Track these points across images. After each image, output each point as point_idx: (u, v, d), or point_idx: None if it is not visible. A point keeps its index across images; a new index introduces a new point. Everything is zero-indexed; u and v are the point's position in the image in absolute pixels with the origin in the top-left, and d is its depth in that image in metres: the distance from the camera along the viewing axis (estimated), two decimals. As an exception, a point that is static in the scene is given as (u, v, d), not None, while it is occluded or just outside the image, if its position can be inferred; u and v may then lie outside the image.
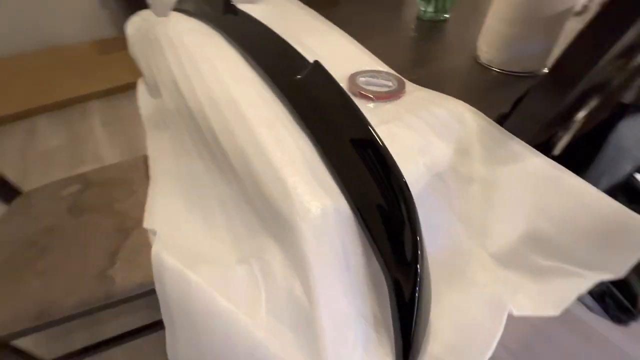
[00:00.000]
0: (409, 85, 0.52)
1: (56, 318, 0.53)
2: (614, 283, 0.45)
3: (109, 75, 1.80)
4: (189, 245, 0.31)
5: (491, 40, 0.58)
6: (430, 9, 0.80)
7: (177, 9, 0.73)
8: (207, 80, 0.47)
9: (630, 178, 0.44)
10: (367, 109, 0.46)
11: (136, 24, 0.78)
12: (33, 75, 1.79)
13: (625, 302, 0.43)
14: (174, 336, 0.27)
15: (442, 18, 0.80)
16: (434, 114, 0.43)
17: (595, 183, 0.40)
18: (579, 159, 0.39)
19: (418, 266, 0.26)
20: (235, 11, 0.64)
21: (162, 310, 0.27)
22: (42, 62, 1.83)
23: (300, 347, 0.25)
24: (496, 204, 0.35)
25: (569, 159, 0.45)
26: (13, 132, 1.65)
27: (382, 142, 0.34)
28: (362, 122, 0.37)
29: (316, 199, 0.30)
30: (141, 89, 0.67)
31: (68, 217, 0.64)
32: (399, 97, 0.49)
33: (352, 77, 0.52)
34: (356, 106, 0.39)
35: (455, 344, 0.27)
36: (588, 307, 0.45)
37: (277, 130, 0.37)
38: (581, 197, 0.31)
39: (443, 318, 0.30)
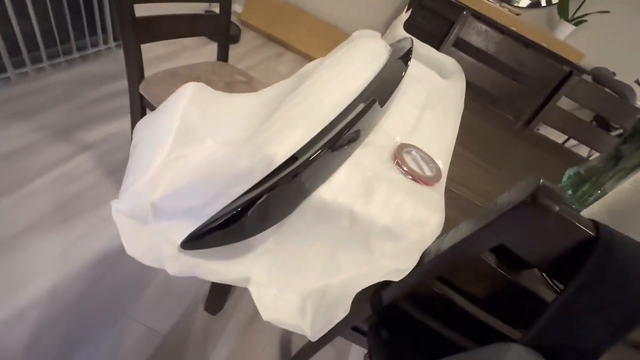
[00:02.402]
0: (437, 187, 0.55)
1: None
2: None
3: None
4: (218, 109, 0.49)
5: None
6: (569, 191, 0.72)
7: (390, 42, 0.95)
8: (330, 75, 0.65)
9: None
10: (387, 163, 0.54)
11: (364, 32, 1.04)
12: (313, 33, 2.47)
13: None
14: (148, 115, 0.45)
15: (573, 207, 0.71)
16: (412, 204, 0.46)
17: None
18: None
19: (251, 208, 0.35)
20: (406, 61, 0.79)
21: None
22: (328, 32, 2.45)
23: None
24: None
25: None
26: (272, 49, 2.37)
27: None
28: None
29: (280, 148, 0.43)
30: (318, 60, 0.92)
31: (222, 86, 0.97)
32: (416, 182, 0.53)
33: (405, 146, 0.58)
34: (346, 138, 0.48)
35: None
36: None
37: (316, 115, 0.51)
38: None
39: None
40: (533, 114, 1.05)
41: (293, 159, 0.42)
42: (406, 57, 0.80)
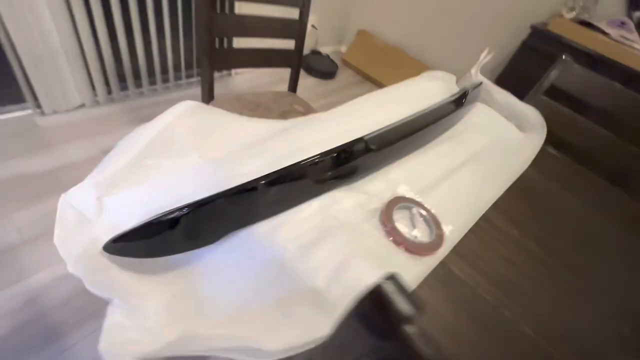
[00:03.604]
0: (429, 259, 0.42)
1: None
2: None
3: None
4: (214, 127, 0.51)
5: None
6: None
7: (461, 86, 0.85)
8: (347, 112, 0.61)
9: None
10: (369, 215, 0.45)
11: (435, 73, 0.94)
12: (410, 75, 2.42)
13: None
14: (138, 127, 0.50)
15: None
16: (356, 266, 0.37)
17: None
18: None
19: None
20: (457, 104, 0.68)
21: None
22: (412, 67, 2.35)
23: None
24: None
25: None
26: (365, 87, 2.43)
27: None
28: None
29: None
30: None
31: (277, 113, 1.02)
32: (398, 245, 0.42)
33: (403, 200, 0.48)
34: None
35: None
36: None
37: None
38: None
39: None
40: (664, 196, 0.74)
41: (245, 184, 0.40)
42: (458, 101, 0.68)
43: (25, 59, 1.14)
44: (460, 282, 0.42)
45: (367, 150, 0.47)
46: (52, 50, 1.19)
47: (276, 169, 0.40)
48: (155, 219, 0.35)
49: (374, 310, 0.34)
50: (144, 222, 0.36)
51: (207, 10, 0.82)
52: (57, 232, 0.36)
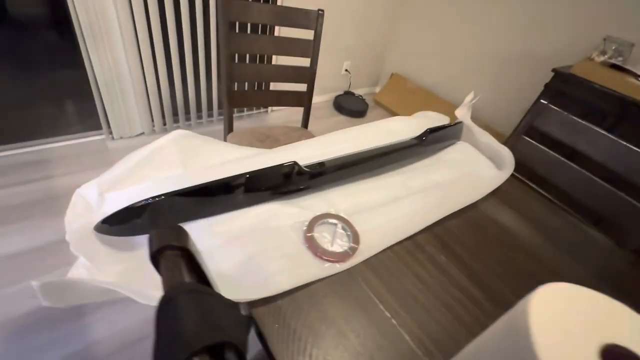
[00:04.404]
0: (338, 267, 0.49)
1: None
2: None
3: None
4: (200, 151, 0.66)
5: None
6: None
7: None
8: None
9: None
10: (297, 225, 0.54)
11: (427, 113, 1.03)
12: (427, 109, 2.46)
13: None
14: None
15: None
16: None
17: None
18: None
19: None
20: (420, 139, 0.75)
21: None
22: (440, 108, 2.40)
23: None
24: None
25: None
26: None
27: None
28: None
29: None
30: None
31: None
32: (310, 250, 0.51)
33: (330, 216, 0.56)
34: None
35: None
36: None
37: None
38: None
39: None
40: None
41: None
42: (418, 139, 0.75)
43: (104, 95, 1.49)
44: (360, 288, 0.48)
45: (300, 173, 0.57)
46: (124, 88, 1.53)
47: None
48: (130, 205, 0.50)
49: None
50: (120, 209, 0.50)
51: (227, 61, 1.03)
52: (67, 214, 0.53)
